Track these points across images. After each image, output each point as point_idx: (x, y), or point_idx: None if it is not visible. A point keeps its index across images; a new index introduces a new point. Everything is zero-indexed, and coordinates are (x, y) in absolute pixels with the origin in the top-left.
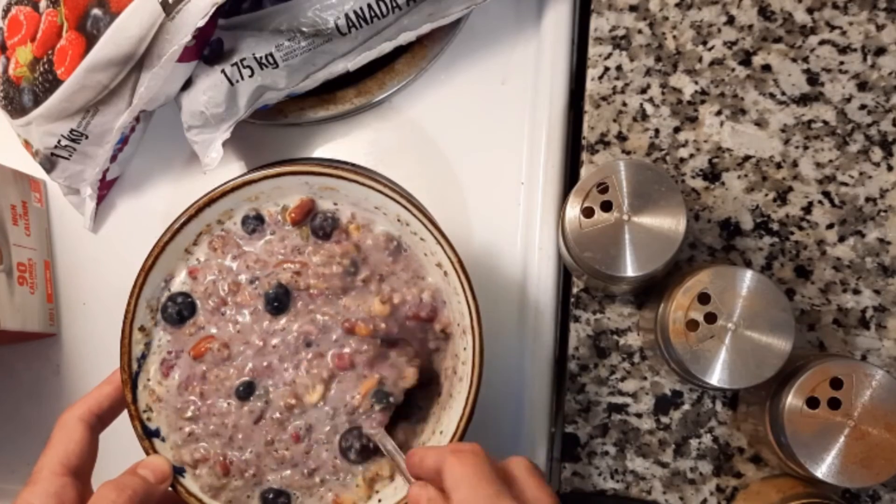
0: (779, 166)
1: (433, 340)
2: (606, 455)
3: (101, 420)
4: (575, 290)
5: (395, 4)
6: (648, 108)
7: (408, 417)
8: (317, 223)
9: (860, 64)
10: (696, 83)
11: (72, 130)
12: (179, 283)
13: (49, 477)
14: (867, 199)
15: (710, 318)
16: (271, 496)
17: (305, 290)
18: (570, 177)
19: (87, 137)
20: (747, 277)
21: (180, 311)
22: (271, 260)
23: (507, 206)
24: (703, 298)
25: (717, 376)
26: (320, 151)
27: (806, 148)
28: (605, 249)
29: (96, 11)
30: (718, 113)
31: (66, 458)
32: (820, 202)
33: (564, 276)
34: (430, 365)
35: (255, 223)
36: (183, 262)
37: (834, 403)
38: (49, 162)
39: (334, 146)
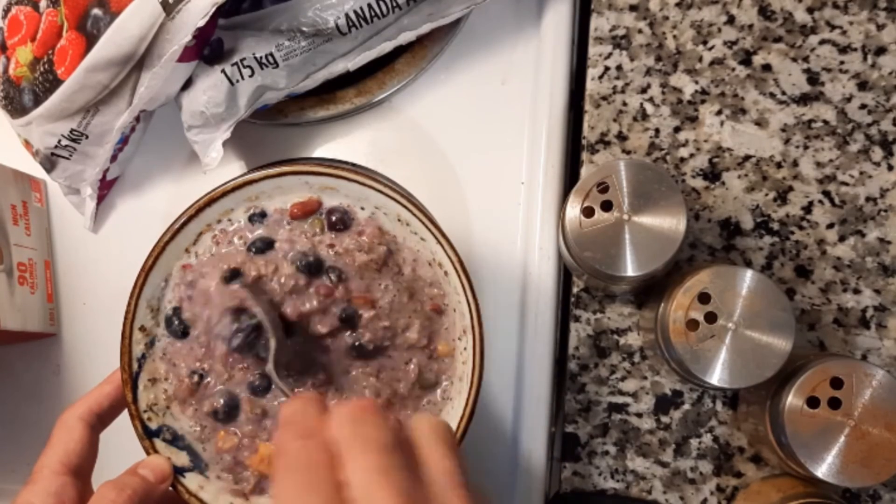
0: (779, 166)
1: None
2: (607, 455)
3: (101, 419)
4: (575, 290)
5: (395, 4)
6: (649, 108)
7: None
8: (334, 218)
9: (860, 63)
10: (697, 83)
11: (72, 130)
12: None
13: (49, 476)
14: (867, 199)
15: (711, 317)
16: None
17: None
18: (571, 177)
19: (87, 137)
20: (747, 277)
21: (185, 327)
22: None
23: (507, 206)
24: (704, 298)
25: (717, 376)
26: (320, 151)
27: (806, 147)
28: (606, 249)
29: (96, 11)
30: (719, 112)
31: (67, 457)
32: (820, 202)
33: (564, 276)
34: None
35: (259, 219)
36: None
37: (834, 403)
38: (49, 162)
39: (334, 146)
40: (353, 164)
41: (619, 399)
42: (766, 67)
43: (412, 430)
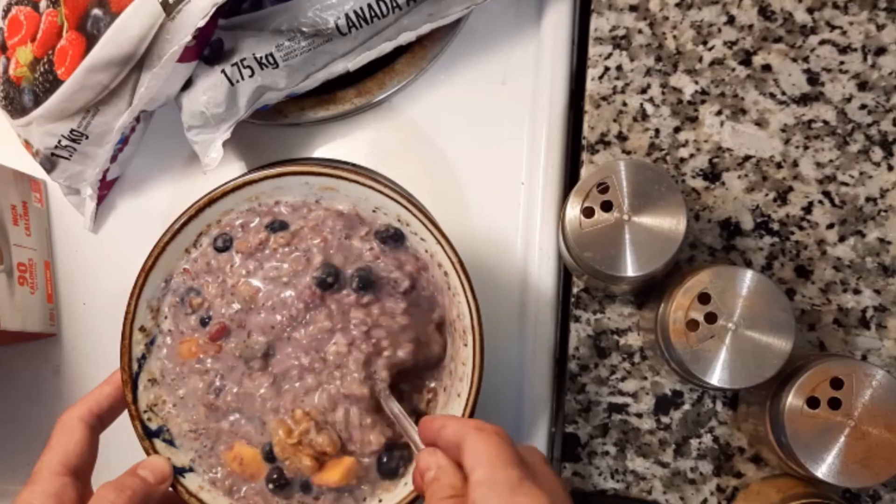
0: (779, 166)
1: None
2: (607, 455)
3: (101, 420)
4: (575, 290)
5: (395, 4)
6: (649, 108)
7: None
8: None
9: (860, 64)
10: (697, 83)
11: (72, 130)
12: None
13: (49, 477)
14: (867, 199)
15: (711, 318)
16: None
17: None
18: (571, 177)
19: (87, 137)
20: (747, 277)
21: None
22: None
23: (507, 206)
24: (704, 298)
25: (717, 376)
26: (320, 151)
27: (806, 148)
28: (606, 249)
29: (97, 11)
30: (719, 113)
31: (66, 458)
32: (820, 202)
33: (564, 276)
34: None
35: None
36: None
37: (834, 403)
38: (49, 162)
39: (334, 146)
40: (353, 164)
41: (619, 399)
42: (766, 68)
43: (525, 448)
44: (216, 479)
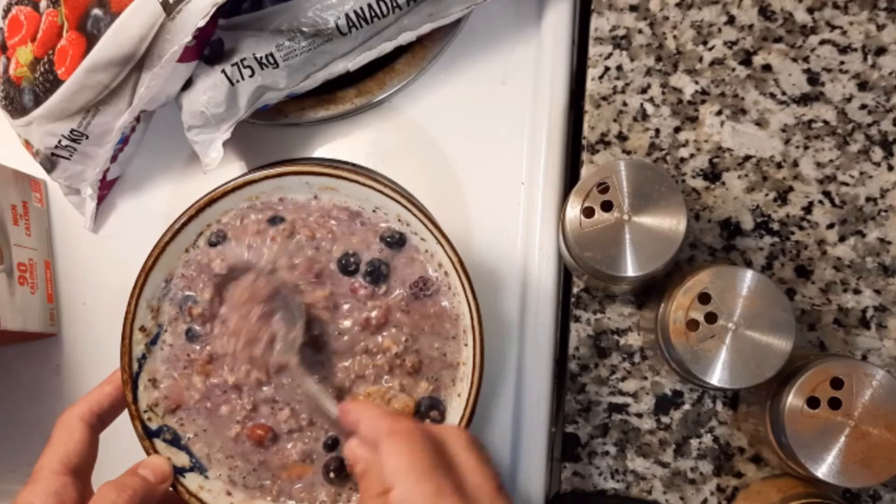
0: (779, 166)
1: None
2: (607, 455)
3: (101, 419)
4: (575, 290)
5: (395, 4)
6: (649, 108)
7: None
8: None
9: (860, 64)
10: (697, 83)
11: (72, 130)
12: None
13: (49, 476)
14: (867, 199)
15: (711, 317)
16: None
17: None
18: (571, 177)
19: (87, 137)
20: (748, 277)
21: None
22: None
23: (507, 206)
24: (704, 298)
25: (717, 376)
26: (320, 151)
27: (806, 148)
28: (606, 249)
29: (97, 11)
30: (719, 113)
31: (67, 457)
32: (820, 202)
33: (564, 276)
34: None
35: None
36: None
37: (834, 403)
38: (49, 162)
39: (334, 146)
40: (354, 164)
41: (620, 399)
42: (767, 67)
43: (445, 439)
44: (266, 487)
